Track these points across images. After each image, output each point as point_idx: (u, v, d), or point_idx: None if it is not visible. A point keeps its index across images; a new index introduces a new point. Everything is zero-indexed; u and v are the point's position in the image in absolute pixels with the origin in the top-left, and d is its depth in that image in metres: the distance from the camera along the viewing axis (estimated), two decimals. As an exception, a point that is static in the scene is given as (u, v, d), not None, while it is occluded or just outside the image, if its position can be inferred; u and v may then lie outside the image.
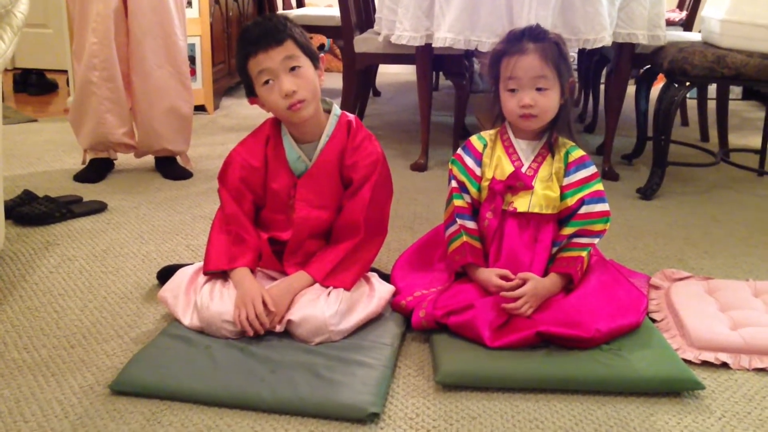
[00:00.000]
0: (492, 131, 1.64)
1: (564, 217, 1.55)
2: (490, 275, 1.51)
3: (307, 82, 1.50)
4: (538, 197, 1.54)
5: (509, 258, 1.54)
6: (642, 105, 2.83)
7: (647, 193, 2.49)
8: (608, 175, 2.69)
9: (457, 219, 1.58)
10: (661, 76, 2.64)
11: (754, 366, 1.41)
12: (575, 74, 3.87)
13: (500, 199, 1.56)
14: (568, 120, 1.59)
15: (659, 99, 2.45)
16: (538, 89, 1.51)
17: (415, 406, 1.28)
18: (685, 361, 1.40)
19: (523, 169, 1.56)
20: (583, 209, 1.53)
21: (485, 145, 1.61)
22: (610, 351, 1.39)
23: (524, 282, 1.47)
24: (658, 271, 1.81)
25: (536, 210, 1.54)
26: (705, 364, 1.42)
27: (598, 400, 1.30)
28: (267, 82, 1.49)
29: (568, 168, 1.56)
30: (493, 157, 1.60)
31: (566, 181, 1.55)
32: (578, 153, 1.58)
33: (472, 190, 1.60)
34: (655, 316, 1.60)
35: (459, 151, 1.64)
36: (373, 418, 1.23)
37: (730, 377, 1.39)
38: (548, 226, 1.55)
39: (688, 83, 2.41)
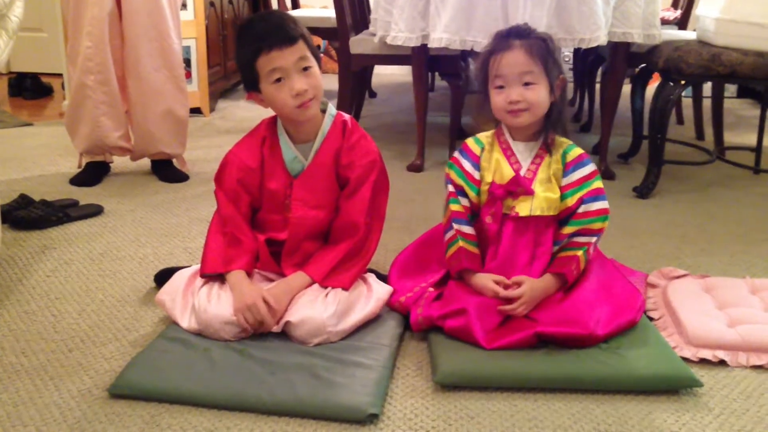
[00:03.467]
0: (489, 133, 1.63)
1: (564, 217, 1.55)
2: (486, 281, 1.50)
3: (317, 82, 1.51)
4: (540, 200, 1.53)
5: (506, 260, 1.53)
6: (637, 104, 2.84)
7: (643, 191, 2.49)
8: (604, 174, 2.69)
9: (453, 224, 1.57)
10: (656, 75, 2.64)
11: (752, 363, 1.42)
12: (570, 73, 3.92)
13: (500, 204, 1.55)
14: (561, 119, 1.57)
15: (655, 98, 2.45)
16: (525, 84, 1.51)
17: (414, 407, 1.28)
18: (683, 358, 1.41)
19: (522, 172, 1.55)
20: (582, 208, 1.52)
21: (483, 149, 1.60)
22: (608, 350, 1.40)
23: (519, 285, 1.47)
24: (655, 269, 1.81)
25: (538, 213, 1.53)
26: (702, 361, 1.43)
27: (597, 398, 1.31)
28: (279, 80, 1.49)
29: (567, 168, 1.55)
30: (491, 161, 1.58)
31: (565, 181, 1.54)
32: (576, 152, 1.56)
33: (471, 194, 1.58)
34: (652, 314, 1.60)
35: (456, 154, 1.63)
36: (372, 419, 1.23)
37: (728, 375, 1.39)
38: (550, 227, 1.54)
39: (683, 82, 2.42)
